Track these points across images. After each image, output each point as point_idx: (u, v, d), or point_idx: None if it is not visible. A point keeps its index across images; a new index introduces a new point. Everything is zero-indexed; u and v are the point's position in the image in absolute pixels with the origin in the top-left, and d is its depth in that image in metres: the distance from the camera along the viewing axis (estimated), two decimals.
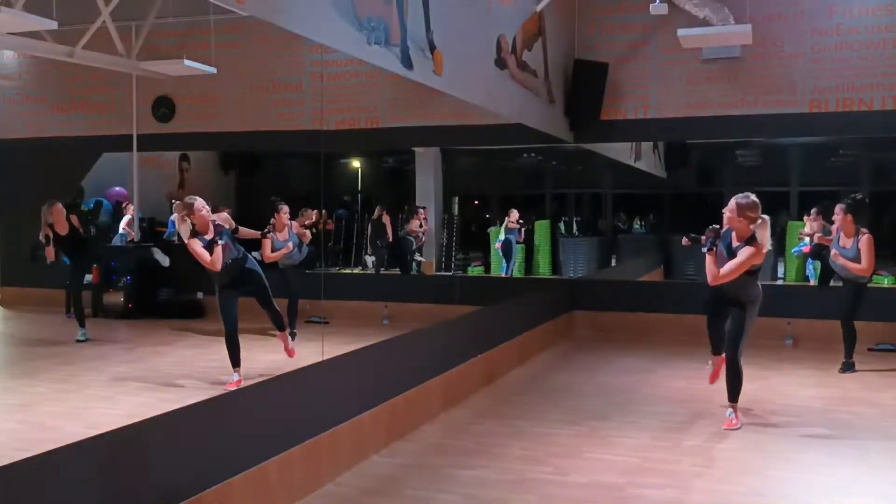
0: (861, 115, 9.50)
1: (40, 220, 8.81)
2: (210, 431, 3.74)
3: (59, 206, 8.85)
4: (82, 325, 8.96)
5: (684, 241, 6.08)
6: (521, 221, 14.41)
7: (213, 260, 6.35)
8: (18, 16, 7.26)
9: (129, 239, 12.41)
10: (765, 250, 5.47)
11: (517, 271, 14.31)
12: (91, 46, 9.21)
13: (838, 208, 7.67)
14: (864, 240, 7.46)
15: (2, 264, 12.56)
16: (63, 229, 8.75)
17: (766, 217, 5.51)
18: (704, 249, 5.59)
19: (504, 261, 14.37)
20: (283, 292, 9.09)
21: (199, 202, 6.47)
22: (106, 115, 12.24)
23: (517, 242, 14.51)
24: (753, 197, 5.54)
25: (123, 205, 12.76)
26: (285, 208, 8.89)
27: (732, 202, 5.54)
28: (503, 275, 14.17)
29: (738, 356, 5.73)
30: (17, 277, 12.30)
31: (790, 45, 9.72)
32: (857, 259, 7.47)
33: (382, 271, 13.39)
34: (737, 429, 5.70)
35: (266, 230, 7.68)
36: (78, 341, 8.81)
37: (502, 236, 14.42)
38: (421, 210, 13.92)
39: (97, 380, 7.18)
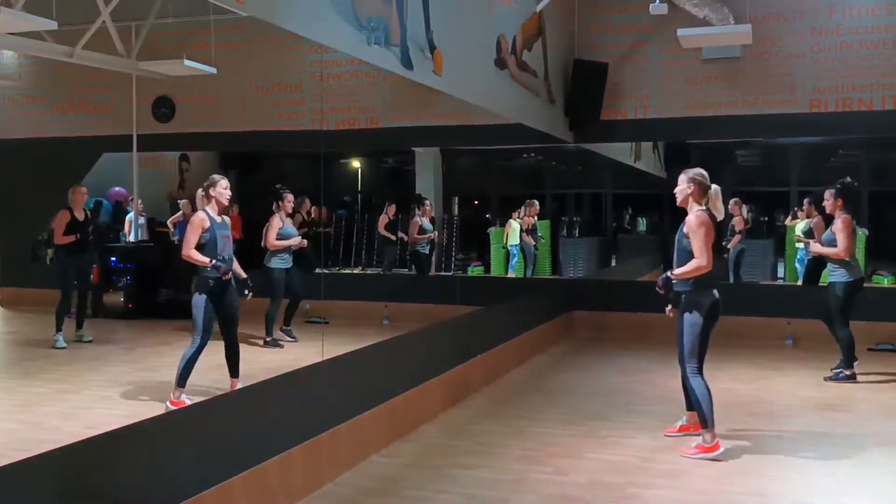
0: (861, 115, 9.51)
1: (43, 219, 8.80)
2: (210, 431, 3.74)
3: (83, 189, 8.87)
4: (59, 329, 8.67)
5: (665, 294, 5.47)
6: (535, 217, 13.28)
7: (191, 254, 5.90)
8: (18, 16, 7.26)
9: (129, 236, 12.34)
10: (720, 218, 5.25)
11: (518, 271, 14.03)
12: (91, 46, 9.21)
13: (828, 193, 7.50)
14: (841, 220, 7.28)
15: (2, 264, 12.56)
16: (80, 215, 8.75)
17: (717, 187, 5.28)
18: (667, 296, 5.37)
19: (513, 263, 13.53)
20: (289, 293, 9.17)
21: (225, 182, 6.15)
22: (106, 115, 12.24)
23: (534, 243, 13.49)
24: (699, 168, 5.34)
25: (129, 199, 12.61)
26: (290, 196, 8.86)
27: (682, 176, 5.29)
28: (510, 273, 13.85)
29: (691, 373, 5.19)
30: (17, 277, 12.30)
31: (790, 45, 9.73)
32: (833, 243, 7.27)
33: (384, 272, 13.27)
34: (715, 454, 5.07)
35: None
36: (57, 347, 8.57)
37: (516, 241, 13.42)
38: (426, 204, 12.56)
39: (97, 380, 7.19)
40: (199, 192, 6.17)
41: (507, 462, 5.02)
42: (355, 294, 10.98)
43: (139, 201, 12.23)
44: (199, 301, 5.95)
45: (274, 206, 8.91)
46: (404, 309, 10.52)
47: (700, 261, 5.09)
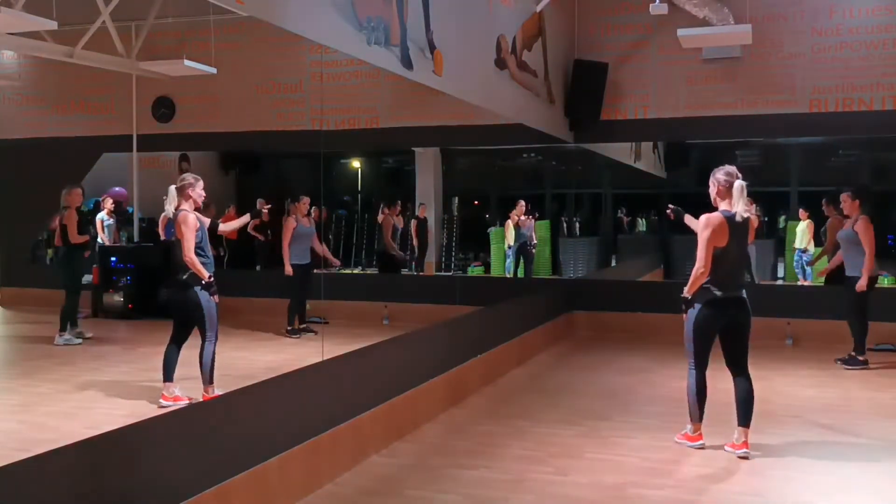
0: (861, 115, 9.50)
1: (41, 219, 8.79)
2: (210, 431, 3.74)
3: (78, 190, 8.92)
4: (68, 326, 8.82)
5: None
6: (529, 216, 13.33)
7: (195, 261, 5.96)
8: (18, 16, 7.25)
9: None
10: (739, 218, 5.04)
11: (517, 271, 14.02)
12: (91, 46, 9.21)
13: (844, 196, 7.86)
14: (861, 224, 7.63)
15: (2, 264, 12.55)
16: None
17: (741, 183, 5.08)
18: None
19: (513, 264, 13.58)
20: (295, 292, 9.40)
21: (202, 183, 6.20)
22: (106, 115, 12.24)
23: (531, 245, 13.47)
24: (727, 167, 5.19)
25: (103, 198, 12.13)
26: (306, 199, 9.50)
27: (711, 177, 5.22)
28: (507, 274, 13.85)
29: (689, 367, 5.27)
30: (17, 277, 12.30)
31: (790, 45, 9.73)
32: (851, 240, 7.69)
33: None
34: (695, 444, 5.26)
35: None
36: (65, 344, 8.72)
37: (513, 242, 13.46)
38: (398, 204, 12.74)
39: (97, 380, 7.19)
40: (173, 189, 6.14)
41: (507, 462, 5.02)
42: (355, 294, 10.98)
43: (110, 201, 11.96)
44: (209, 299, 6.04)
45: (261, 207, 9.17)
46: (404, 309, 10.53)
47: (697, 266, 5.05)
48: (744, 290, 5.17)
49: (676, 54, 9.88)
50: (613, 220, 17.20)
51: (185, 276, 6.04)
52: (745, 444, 5.11)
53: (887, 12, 9.42)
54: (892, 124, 9.51)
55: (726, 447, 5.19)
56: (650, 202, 17.88)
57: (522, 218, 13.37)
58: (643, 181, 15.80)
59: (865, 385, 7.25)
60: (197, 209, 6.21)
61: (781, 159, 15.99)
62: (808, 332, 9.17)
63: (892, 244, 15.07)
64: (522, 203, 13.44)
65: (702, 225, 5.06)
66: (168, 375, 6.25)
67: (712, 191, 5.21)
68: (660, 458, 5.10)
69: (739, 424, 5.15)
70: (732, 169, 5.18)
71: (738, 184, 5.09)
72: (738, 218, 5.07)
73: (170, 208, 6.14)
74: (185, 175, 6.26)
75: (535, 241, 13.91)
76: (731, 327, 5.16)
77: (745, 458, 5.05)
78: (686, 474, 4.81)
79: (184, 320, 6.25)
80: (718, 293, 5.06)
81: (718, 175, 5.17)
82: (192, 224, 5.99)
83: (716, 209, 5.16)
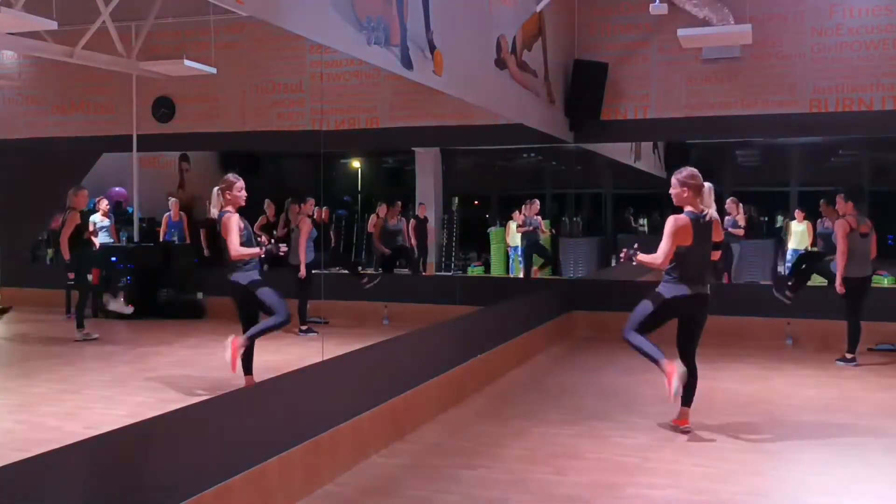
0: (861, 115, 9.51)
1: (41, 219, 8.82)
2: (210, 431, 3.74)
3: (85, 192, 8.98)
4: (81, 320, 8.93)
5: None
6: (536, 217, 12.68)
7: (241, 251, 6.08)
8: (18, 16, 7.25)
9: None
10: (705, 219, 5.40)
11: (519, 270, 13.93)
12: (91, 46, 9.20)
13: (839, 198, 7.98)
14: (838, 223, 7.84)
15: (2, 264, 12.55)
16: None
17: (709, 185, 5.46)
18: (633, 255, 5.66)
19: (523, 263, 13.34)
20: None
21: (241, 184, 6.23)
22: (106, 115, 12.23)
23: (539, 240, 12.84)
24: (690, 169, 5.51)
25: (98, 199, 11.89)
26: (312, 200, 9.60)
27: (673, 179, 5.52)
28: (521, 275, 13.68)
29: (626, 331, 5.65)
30: (17, 277, 12.29)
31: (790, 45, 9.73)
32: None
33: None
34: (669, 384, 5.41)
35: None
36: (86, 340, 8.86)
37: (519, 243, 13.11)
38: (396, 205, 12.56)
39: (97, 380, 7.19)
40: (215, 190, 6.23)
41: (507, 462, 5.02)
42: (355, 294, 10.97)
43: (104, 202, 11.86)
44: (265, 287, 6.15)
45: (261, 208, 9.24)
46: (404, 309, 10.52)
47: (656, 258, 5.46)
48: (708, 287, 5.54)
49: (676, 54, 9.89)
50: (614, 220, 17.19)
51: (235, 273, 6.13)
52: (686, 421, 5.61)
53: (887, 12, 9.42)
54: (892, 124, 9.52)
55: (672, 422, 5.68)
56: (650, 202, 17.88)
57: (537, 218, 13.04)
58: (643, 181, 15.80)
59: (865, 385, 7.25)
60: (240, 209, 6.25)
61: (781, 159, 15.99)
62: (808, 332, 9.17)
63: (892, 244, 15.07)
64: (537, 202, 13.13)
65: (671, 226, 5.39)
66: (247, 368, 6.30)
67: (682, 194, 5.46)
68: (660, 457, 5.11)
69: (683, 405, 5.62)
70: (696, 171, 5.50)
71: (708, 186, 5.46)
72: (702, 220, 5.41)
73: (214, 210, 6.21)
74: (226, 176, 6.31)
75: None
76: (689, 320, 5.57)
77: (688, 432, 5.54)
78: (686, 474, 4.81)
79: (248, 312, 6.31)
80: (688, 290, 5.43)
81: (685, 178, 5.46)
82: (235, 223, 6.06)
83: (681, 210, 5.49)
